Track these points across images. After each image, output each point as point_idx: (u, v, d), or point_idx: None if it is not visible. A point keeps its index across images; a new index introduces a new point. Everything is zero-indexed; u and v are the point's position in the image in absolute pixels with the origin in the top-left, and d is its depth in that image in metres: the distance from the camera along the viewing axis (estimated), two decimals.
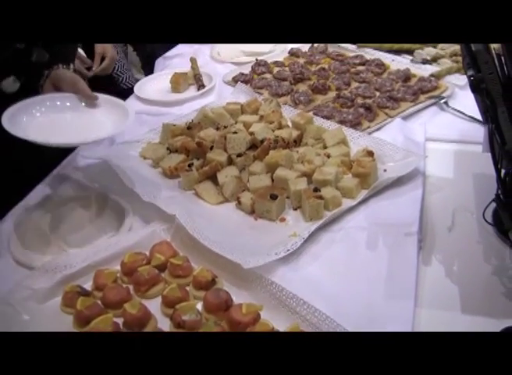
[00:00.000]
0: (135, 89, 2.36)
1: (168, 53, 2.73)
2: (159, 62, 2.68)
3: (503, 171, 1.28)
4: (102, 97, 1.74)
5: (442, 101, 2.07)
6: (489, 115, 1.24)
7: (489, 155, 1.28)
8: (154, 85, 2.42)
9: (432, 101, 2.08)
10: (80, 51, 2.43)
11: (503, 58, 1.30)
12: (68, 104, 1.72)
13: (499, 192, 1.27)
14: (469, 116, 1.95)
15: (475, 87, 1.22)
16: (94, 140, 1.60)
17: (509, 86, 1.23)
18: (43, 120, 1.66)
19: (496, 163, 1.24)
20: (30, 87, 1.72)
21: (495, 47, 1.44)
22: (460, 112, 1.99)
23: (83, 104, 1.73)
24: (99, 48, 2.63)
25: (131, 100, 2.32)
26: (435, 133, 1.90)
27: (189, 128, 1.91)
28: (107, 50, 2.66)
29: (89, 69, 2.55)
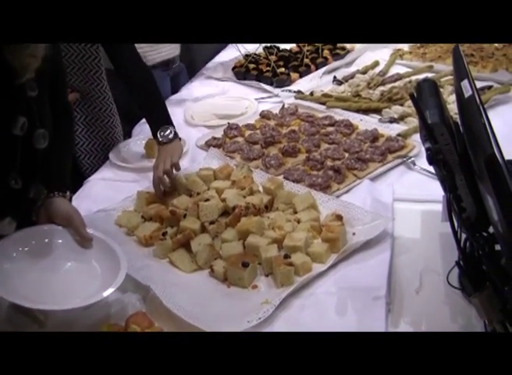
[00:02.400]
0: (110, 156, 2.40)
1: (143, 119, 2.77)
2: (136, 129, 2.71)
3: (462, 239, 1.33)
4: (96, 238, 1.64)
5: (409, 160, 2.13)
6: (447, 184, 1.29)
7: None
8: (129, 151, 2.46)
9: (400, 160, 2.14)
10: None
11: (461, 127, 1.36)
12: (59, 241, 1.62)
13: (460, 259, 1.32)
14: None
15: (432, 158, 1.27)
16: (79, 306, 1.45)
17: (465, 155, 1.28)
18: (24, 268, 1.53)
19: (454, 232, 1.29)
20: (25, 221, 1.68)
21: (453, 115, 1.51)
22: (427, 171, 2.04)
23: (76, 242, 1.63)
24: None
25: (106, 166, 2.37)
26: (403, 193, 1.95)
27: (165, 194, 1.97)
28: None
29: None
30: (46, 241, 1.62)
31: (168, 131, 2.17)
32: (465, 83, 1.35)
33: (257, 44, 3.33)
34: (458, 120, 1.39)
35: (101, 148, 2.54)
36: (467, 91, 1.31)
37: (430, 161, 1.28)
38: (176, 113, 2.76)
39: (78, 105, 2.44)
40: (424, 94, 1.42)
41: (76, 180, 2.12)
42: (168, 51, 3.00)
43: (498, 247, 1.22)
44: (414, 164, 2.11)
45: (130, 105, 2.46)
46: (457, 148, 1.31)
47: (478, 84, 2.68)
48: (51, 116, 1.64)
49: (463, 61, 1.50)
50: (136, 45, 2.38)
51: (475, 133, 1.18)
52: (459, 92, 1.37)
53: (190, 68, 3.40)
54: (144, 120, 2.73)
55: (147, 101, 2.27)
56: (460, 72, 1.43)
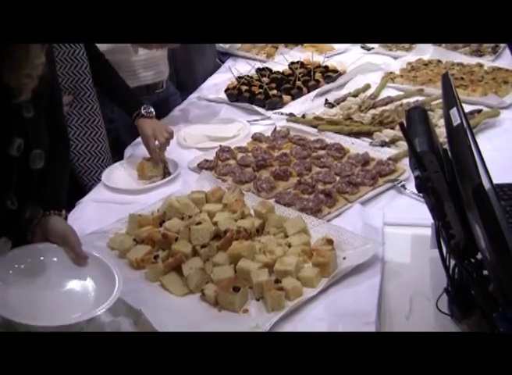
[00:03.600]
0: (103, 177, 2.41)
1: (138, 140, 2.78)
2: (128, 150, 2.73)
3: (451, 266, 1.35)
4: (91, 256, 1.65)
5: (400, 184, 2.15)
6: (436, 212, 1.30)
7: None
8: (121, 172, 2.47)
9: (390, 184, 2.16)
10: None
11: (449, 153, 1.38)
12: (54, 259, 1.63)
13: (449, 285, 1.33)
14: None
15: (421, 186, 1.29)
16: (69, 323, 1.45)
17: (454, 183, 1.30)
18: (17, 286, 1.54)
19: (443, 259, 1.30)
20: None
21: (442, 142, 1.53)
22: (417, 195, 2.05)
23: (71, 260, 1.64)
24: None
25: (99, 188, 2.38)
26: (393, 218, 1.97)
27: (161, 224, 1.99)
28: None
29: None
30: (41, 258, 1.63)
31: (151, 109, 2.42)
32: (454, 112, 1.37)
33: (250, 67, 3.36)
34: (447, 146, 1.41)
35: (95, 150, 2.58)
36: (456, 120, 1.33)
37: (419, 189, 1.29)
38: None
39: (71, 107, 2.47)
40: (414, 122, 1.44)
41: (72, 184, 2.13)
42: (147, 77, 3.01)
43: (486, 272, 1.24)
44: (405, 188, 2.12)
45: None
46: (446, 176, 1.33)
47: (468, 108, 2.75)
48: (47, 136, 1.65)
49: (452, 88, 1.52)
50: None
51: (463, 163, 1.20)
52: (448, 120, 1.40)
53: (182, 90, 3.42)
54: (135, 141, 2.75)
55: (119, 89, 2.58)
56: (449, 100, 1.46)
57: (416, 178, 1.31)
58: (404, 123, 1.41)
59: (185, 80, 3.56)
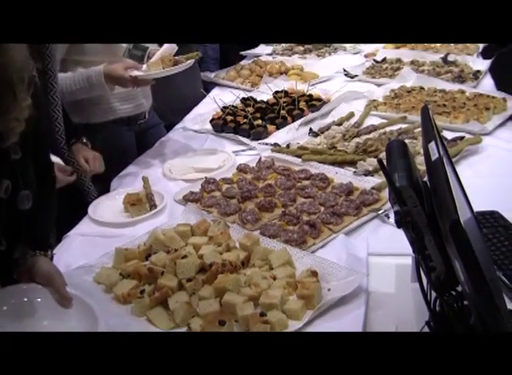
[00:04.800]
0: (89, 210, 2.42)
1: (123, 172, 2.80)
2: (114, 182, 2.74)
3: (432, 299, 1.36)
4: (76, 298, 1.67)
5: (384, 213, 2.17)
6: (416, 246, 1.32)
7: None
8: (107, 205, 2.48)
9: (374, 214, 2.18)
10: (58, 160, 2.44)
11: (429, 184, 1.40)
12: (38, 300, 1.64)
13: (430, 319, 1.35)
14: None
15: (401, 221, 1.31)
16: None
17: (434, 216, 1.32)
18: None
19: (424, 293, 1.32)
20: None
21: (422, 175, 1.55)
22: None
23: (55, 301, 1.65)
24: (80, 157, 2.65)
25: (85, 221, 2.39)
26: (377, 248, 1.99)
27: (147, 258, 2.00)
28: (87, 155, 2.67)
29: (71, 174, 2.51)
30: (25, 299, 1.63)
31: None
32: (432, 146, 1.39)
33: (235, 96, 3.39)
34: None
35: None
36: (434, 154, 1.35)
37: (398, 224, 1.31)
38: (154, 167, 2.81)
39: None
40: (393, 156, 1.46)
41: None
42: (125, 110, 3.02)
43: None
44: (388, 217, 2.14)
45: None
46: (426, 209, 1.34)
47: (451, 135, 2.78)
48: (34, 176, 1.66)
49: (431, 121, 1.54)
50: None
51: (441, 198, 1.22)
52: (426, 154, 1.41)
53: (167, 120, 3.44)
54: (122, 173, 2.77)
55: None
56: (428, 133, 1.47)
57: (395, 213, 1.33)
58: (384, 155, 1.43)
59: (169, 110, 3.59)
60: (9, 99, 1.39)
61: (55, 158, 2.24)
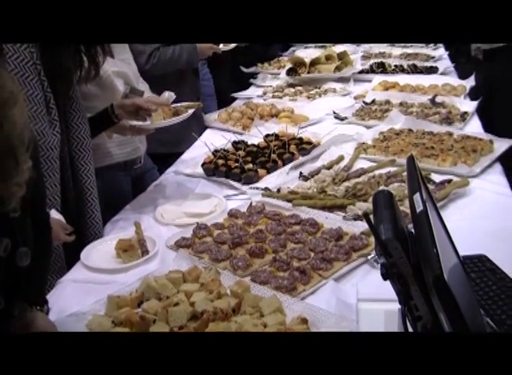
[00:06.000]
0: (81, 256, 2.44)
1: (116, 216, 2.83)
2: (107, 227, 2.77)
3: None
4: None
5: (373, 259, 2.20)
6: (402, 297, 1.35)
7: None
8: (100, 251, 2.50)
9: (364, 259, 2.21)
10: (60, 217, 2.41)
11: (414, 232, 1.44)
12: None
13: None
14: None
15: (387, 273, 1.34)
16: None
17: (418, 266, 1.35)
18: None
19: None
20: None
21: (408, 226, 1.58)
22: None
23: None
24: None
25: (78, 267, 2.41)
26: (367, 293, 2.01)
27: (139, 305, 2.02)
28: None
29: (70, 234, 2.45)
30: None
31: None
32: (417, 197, 1.42)
33: (226, 140, 3.44)
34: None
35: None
36: (419, 206, 1.38)
37: (385, 277, 1.34)
38: (146, 211, 2.84)
39: None
40: (379, 207, 1.49)
41: None
42: (123, 154, 3.08)
43: None
44: (377, 262, 2.17)
45: None
46: (411, 260, 1.38)
47: (439, 178, 2.82)
48: (32, 232, 1.67)
49: (416, 171, 1.57)
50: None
51: (425, 251, 1.25)
52: (412, 205, 1.45)
53: (161, 164, 3.49)
54: (114, 218, 2.80)
55: None
56: (413, 184, 1.51)
57: (381, 266, 1.35)
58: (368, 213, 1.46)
59: (164, 154, 3.65)
60: (11, 165, 1.36)
61: (56, 215, 2.27)
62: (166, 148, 3.83)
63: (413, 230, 1.45)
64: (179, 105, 2.90)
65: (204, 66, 5.18)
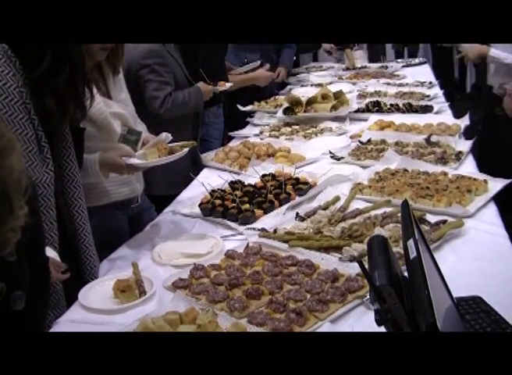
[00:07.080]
0: (79, 296, 2.45)
1: (113, 255, 2.85)
2: (103, 264, 2.78)
3: None
4: None
5: (368, 301, 2.21)
6: None
7: None
8: (97, 291, 2.52)
9: (359, 301, 2.23)
10: (54, 254, 2.41)
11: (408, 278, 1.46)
12: None
13: None
14: None
15: (381, 319, 1.36)
16: None
17: (412, 312, 1.37)
18: None
19: None
20: None
21: (402, 269, 1.61)
22: None
23: None
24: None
25: (75, 307, 2.42)
26: None
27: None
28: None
29: (64, 272, 2.43)
30: None
31: None
32: (411, 243, 1.45)
33: (223, 180, 3.47)
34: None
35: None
36: (412, 252, 1.41)
37: (379, 323, 1.36)
38: (143, 251, 2.86)
39: None
40: (374, 252, 1.52)
41: None
42: (121, 194, 3.11)
43: None
44: (373, 304, 2.18)
45: None
46: (405, 305, 1.40)
47: (434, 219, 2.84)
48: (28, 275, 1.68)
49: (410, 217, 1.60)
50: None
51: (418, 297, 1.28)
52: (406, 251, 1.48)
53: (157, 204, 3.51)
54: (111, 256, 2.82)
55: None
56: (407, 230, 1.54)
57: (376, 312, 1.38)
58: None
59: (160, 194, 3.69)
60: (6, 211, 1.38)
61: (49, 253, 2.29)
62: (166, 191, 3.87)
63: (407, 277, 1.48)
64: (174, 144, 2.95)
65: (220, 109, 5.23)
